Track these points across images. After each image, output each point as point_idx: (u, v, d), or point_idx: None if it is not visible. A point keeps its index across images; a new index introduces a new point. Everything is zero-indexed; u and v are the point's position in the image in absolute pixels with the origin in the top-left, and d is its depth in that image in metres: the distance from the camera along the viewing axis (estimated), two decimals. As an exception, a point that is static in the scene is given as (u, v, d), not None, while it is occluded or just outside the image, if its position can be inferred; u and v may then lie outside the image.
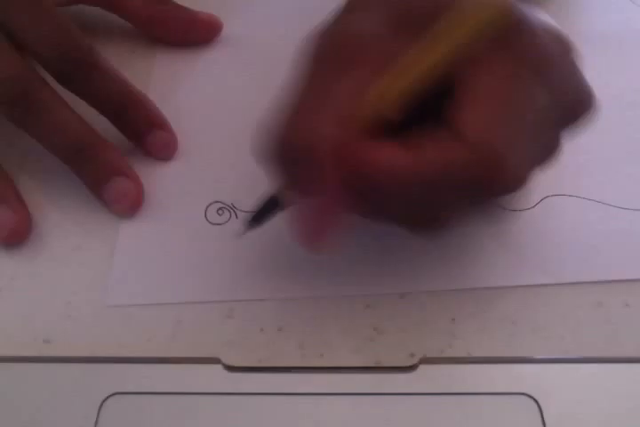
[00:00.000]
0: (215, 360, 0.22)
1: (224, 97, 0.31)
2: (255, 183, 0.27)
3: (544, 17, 0.19)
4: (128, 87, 0.27)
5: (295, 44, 0.19)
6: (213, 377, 0.21)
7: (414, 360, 0.22)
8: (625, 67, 0.32)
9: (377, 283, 0.24)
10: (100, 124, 0.27)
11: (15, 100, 0.25)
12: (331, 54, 0.19)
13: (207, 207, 0.26)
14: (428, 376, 0.21)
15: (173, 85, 0.31)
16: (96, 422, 0.20)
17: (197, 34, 0.32)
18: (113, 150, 0.26)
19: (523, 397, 0.21)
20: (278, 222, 0.25)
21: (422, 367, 0.21)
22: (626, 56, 0.33)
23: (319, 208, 0.18)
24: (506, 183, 0.18)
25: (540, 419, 0.20)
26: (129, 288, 0.24)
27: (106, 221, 0.26)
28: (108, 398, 0.21)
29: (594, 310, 0.23)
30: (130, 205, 0.25)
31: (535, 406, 0.20)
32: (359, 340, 0.22)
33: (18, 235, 0.25)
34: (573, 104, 0.19)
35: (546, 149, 0.20)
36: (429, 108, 0.18)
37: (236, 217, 0.26)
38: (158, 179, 0.27)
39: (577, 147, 0.28)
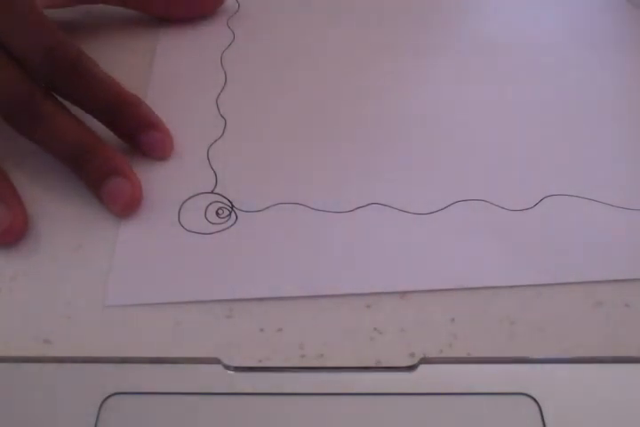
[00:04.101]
0: (215, 360, 0.22)
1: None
2: (256, 183, 0.27)
3: None
4: (118, 91, 0.27)
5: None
6: (213, 377, 0.21)
7: (414, 360, 0.22)
8: (622, 67, 0.32)
9: (377, 283, 0.24)
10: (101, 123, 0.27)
11: (17, 112, 0.25)
12: None
13: (207, 207, 0.26)
14: (427, 376, 0.21)
15: (173, 82, 0.31)
16: (96, 422, 0.20)
17: (200, 4, 0.33)
18: (111, 151, 0.26)
19: (523, 397, 0.21)
20: (279, 223, 0.25)
21: (422, 367, 0.21)
22: (623, 56, 0.33)
23: None
24: None
25: (540, 419, 0.20)
26: (129, 288, 0.24)
27: (106, 221, 0.26)
28: (108, 398, 0.21)
29: (594, 310, 0.23)
30: (123, 205, 0.25)
31: (535, 406, 0.20)
32: (359, 340, 0.22)
33: (13, 233, 0.25)
34: None
35: None
36: None
37: (236, 217, 0.26)
38: (158, 179, 0.27)
39: (577, 147, 0.28)
